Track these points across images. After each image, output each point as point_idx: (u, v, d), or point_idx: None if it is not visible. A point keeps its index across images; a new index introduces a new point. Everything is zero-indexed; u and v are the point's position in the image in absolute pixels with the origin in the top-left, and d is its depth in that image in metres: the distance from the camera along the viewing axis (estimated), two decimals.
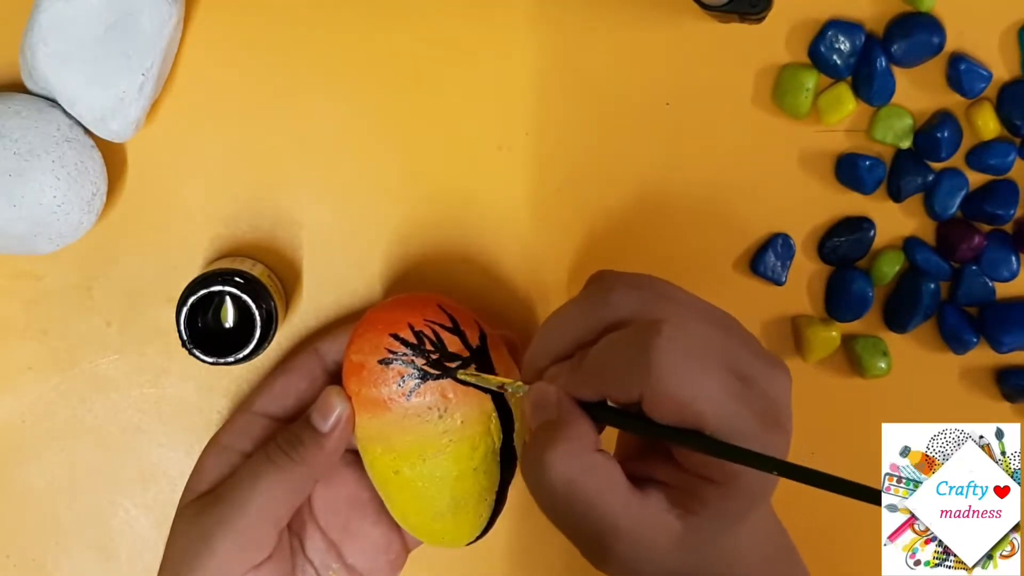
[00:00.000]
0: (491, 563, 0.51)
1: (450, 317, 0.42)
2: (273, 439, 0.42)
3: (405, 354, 0.41)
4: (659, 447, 0.39)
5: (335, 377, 0.44)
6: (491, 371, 0.42)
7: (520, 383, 0.40)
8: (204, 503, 0.42)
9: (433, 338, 0.41)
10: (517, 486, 0.44)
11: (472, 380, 0.41)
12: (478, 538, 0.44)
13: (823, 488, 0.36)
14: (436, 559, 0.49)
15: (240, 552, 0.40)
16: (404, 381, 0.41)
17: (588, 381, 0.37)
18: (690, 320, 0.36)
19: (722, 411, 0.35)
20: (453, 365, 0.41)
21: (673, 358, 0.35)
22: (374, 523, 0.45)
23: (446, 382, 0.41)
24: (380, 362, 0.41)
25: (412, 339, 0.41)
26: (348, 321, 0.47)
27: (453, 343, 0.41)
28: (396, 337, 0.41)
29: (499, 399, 0.42)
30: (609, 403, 0.38)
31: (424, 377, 0.41)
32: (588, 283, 0.41)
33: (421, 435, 0.41)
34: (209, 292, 0.44)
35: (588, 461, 0.36)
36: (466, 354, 0.41)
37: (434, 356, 0.41)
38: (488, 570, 0.51)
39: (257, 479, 0.41)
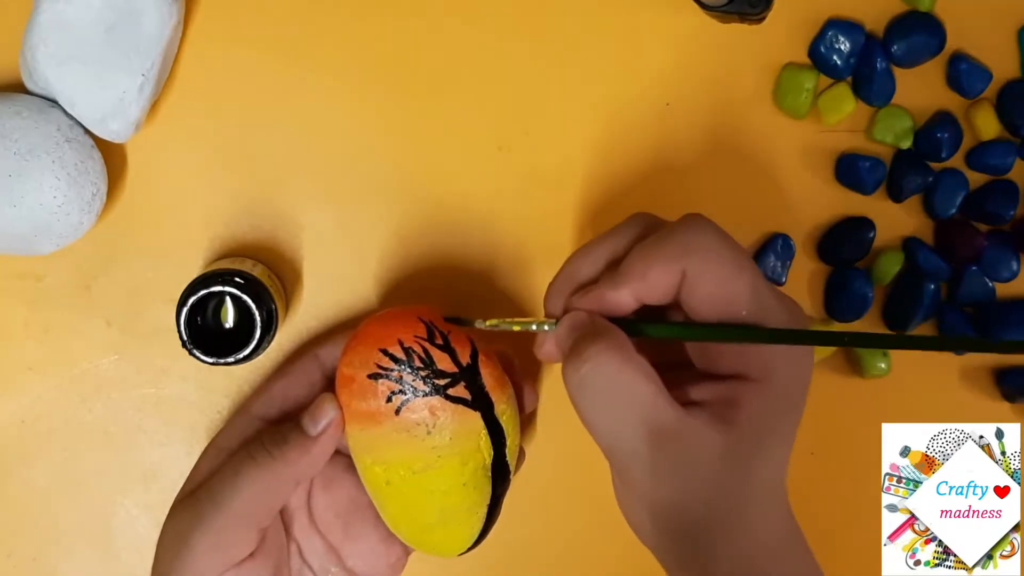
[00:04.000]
0: (489, 569, 0.51)
1: (441, 333, 0.42)
2: (258, 438, 0.42)
3: (394, 370, 0.41)
4: (685, 370, 0.39)
5: (334, 383, 0.44)
6: (480, 389, 0.42)
7: (545, 320, 0.40)
8: (188, 501, 0.42)
9: (422, 355, 0.41)
10: (511, 498, 0.44)
11: (496, 326, 0.41)
12: (470, 549, 0.44)
13: (875, 347, 0.38)
14: (436, 563, 0.50)
15: (218, 549, 0.40)
16: (392, 397, 0.41)
17: (626, 280, 0.37)
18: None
19: (759, 299, 0.36)
20: (442, 383, 0.41)
21: (711, 241, 0.37)
22: (374, 527, 0.45)
23: (435, 399, 0.41)
24: (370, 377, 0.41)
25: (401, 355, 0.41)
26: (349, 326, 0.47)
27: (442, 360, 0.41)
28: (386, 353, 0.41)
29: (489, 416, 0.42)
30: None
31: (412, 394, 0.41)
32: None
33: (410, 450, 0.41)
34: (209, 292, 0.44)
35: (632, 356, 0.36)
36: (455, 371, 0.41)
37: (423, 373, 0.41)
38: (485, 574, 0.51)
39: (236, 476, 0.41)
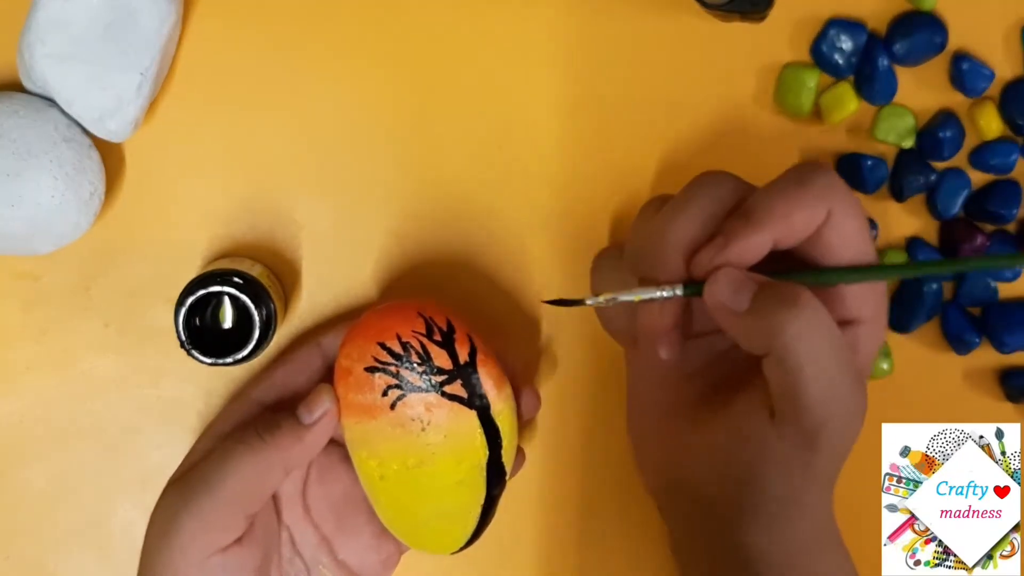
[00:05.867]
0: (484, 569, 0.51)
1: (440, 330, 0.42)
2: (252, 423, 0.42)
3: (391, 364, 0.41)
4: None
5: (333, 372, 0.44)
6: (478, 388, 0.42)
7: (665, 286, 0.38)
8: (179, 483, 0.42)
9: (420, 350, 0.41)
10: (506, 499, 0.44)
11: (613, 300, 0.39)
12: (463, 548, 0.44)
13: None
14: (429, 563, 0.50)
15: (204, 533, 0.40)
16: (388, 391, 0.41)
17: (767, 223, 0.37)
18: None
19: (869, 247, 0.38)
20: (439, 380, 0.41)
21: (844, 183, 0.38)
22: (367, 521, 0.45)
23: (431, 396, 0.41)
24: (367, 370, 0.41)
25: (399, 350, 0.41)
26: (353, 316, 0.47)
27: (440, 356, 0.41)
28: (383, 346, 0.41)
29: (485, 416, 0.42)
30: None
31: (409, 390, 0.41)
32: (655, 200, 0.42)
33: (404, 445, 0.41)
34: (207, 292, 0.44)
35: (829, 318, 0.36)
36: (452, 368, 0.41)
37: (420, 368, 0.41)
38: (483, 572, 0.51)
39: (226, 459, 0.41)
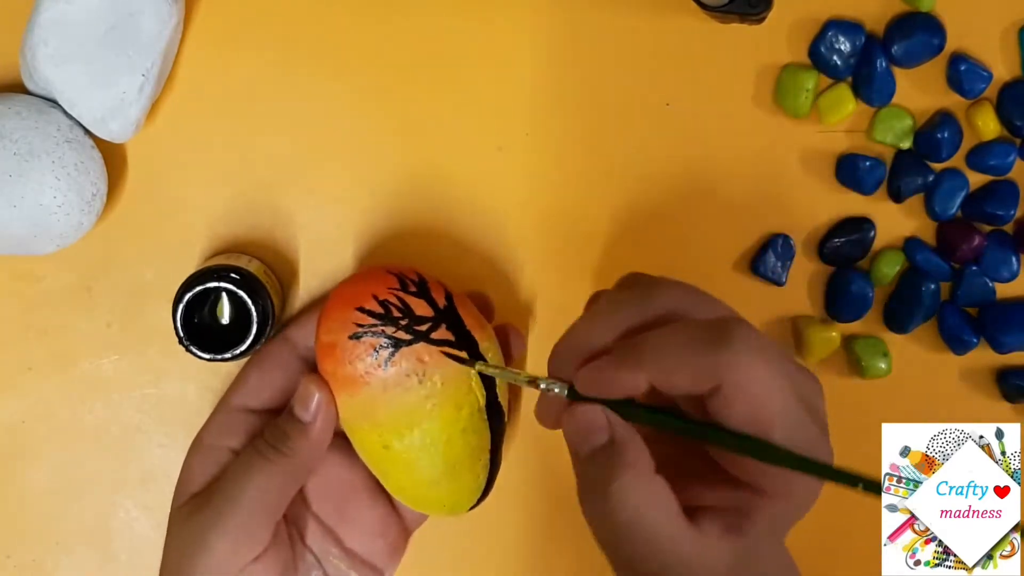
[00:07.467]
0: (492, 549, 0.51)
1: (413, 281, 0.42)
2: (260, 435, 0.42)
3: (374, 325, 0.40)
4: (696, 458, 0.37)
5: (308, 363, 0.44)
6: (462, 328, 0.42)
7: (552, 380, 0.38)
8: (197, 503, 0.42)
9: (399, 304, 0.41)
10: (510, 447, 0.44)
11: (494, 372, 0.41)
12: (479, 502, 0.44)
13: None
14: (435, 546, 0.50)
15: (237, 548, 0.40)
16: (378, 352, 0.40)
17: (648, 368, 0.35)
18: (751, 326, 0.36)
19: (792, 417, 0.35)
20: (423, 328, 0.41)
21: (753, 353, 0.34)
22: (369, 506, 0.45)
23: (420, 346, 0.41)
24: (351, 337, 0.41)
25: (378, 309, 0.41)
26: (315, 306, 0.47)
27: (419, 306, 0.41)
28: (362, 310, 0.41)
29: (475, 355, 0.42)
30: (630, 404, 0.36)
31: (397, 345, 0.40)
32: (622, 282, 0.40)
33: (404, 404, 0.41)
34: (205, 289, 0.44)
35: (651, 489, 0.35)
36: (432, 315, 0.41)
37: (403, 322, 0.41)
38: (489, 555, 0.51)
39: (249, 475, 0.41)
